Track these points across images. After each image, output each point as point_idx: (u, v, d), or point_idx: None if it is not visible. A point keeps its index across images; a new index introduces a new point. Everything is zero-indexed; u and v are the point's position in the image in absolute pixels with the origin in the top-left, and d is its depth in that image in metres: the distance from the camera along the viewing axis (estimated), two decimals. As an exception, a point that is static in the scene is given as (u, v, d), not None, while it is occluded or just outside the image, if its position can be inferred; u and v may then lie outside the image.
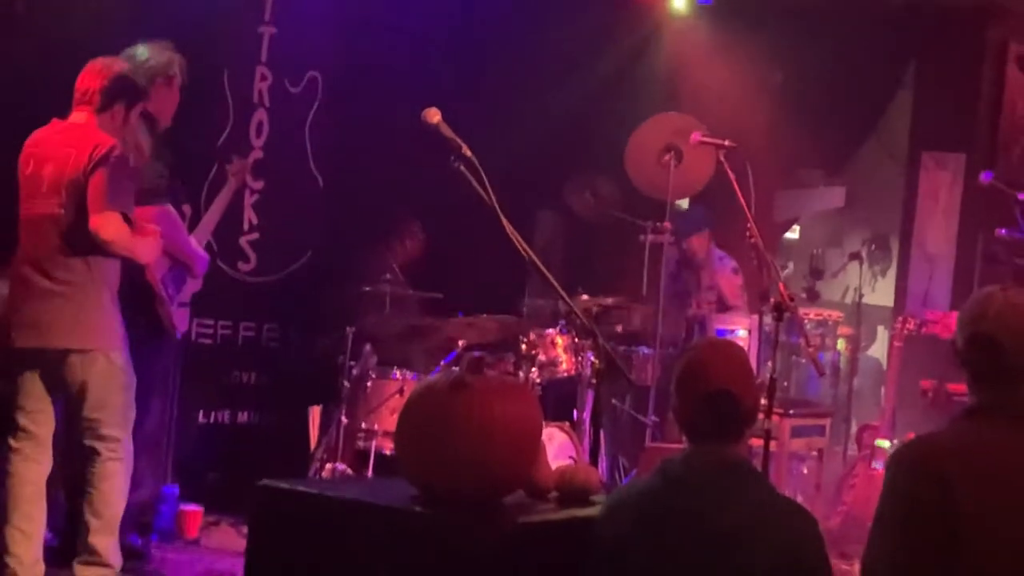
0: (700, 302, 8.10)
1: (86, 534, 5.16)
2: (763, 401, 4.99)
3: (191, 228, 6.23)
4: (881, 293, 11.19)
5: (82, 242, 5.07)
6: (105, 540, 5.18)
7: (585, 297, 7.41)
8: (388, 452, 6.59)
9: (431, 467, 3.33)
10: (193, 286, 6.22)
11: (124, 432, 5.23)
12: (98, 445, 5.16)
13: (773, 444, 5.77)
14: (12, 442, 5.16)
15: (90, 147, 5.07)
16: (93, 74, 5.25)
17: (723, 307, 8.08)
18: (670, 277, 8.00)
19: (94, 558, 5.16)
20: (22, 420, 5.17)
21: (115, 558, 5.22)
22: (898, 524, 2.89)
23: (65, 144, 5.14)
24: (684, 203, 8.94)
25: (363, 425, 6.79)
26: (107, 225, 5.03)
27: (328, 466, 6.74)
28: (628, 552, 3.10)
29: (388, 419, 6.61)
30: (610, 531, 3.16)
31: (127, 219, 5.09)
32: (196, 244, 6.12)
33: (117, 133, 5.22)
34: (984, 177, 7.55)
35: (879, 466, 7.62)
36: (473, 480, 3.29)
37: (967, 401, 3.09)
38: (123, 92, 5.28)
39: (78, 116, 5.23)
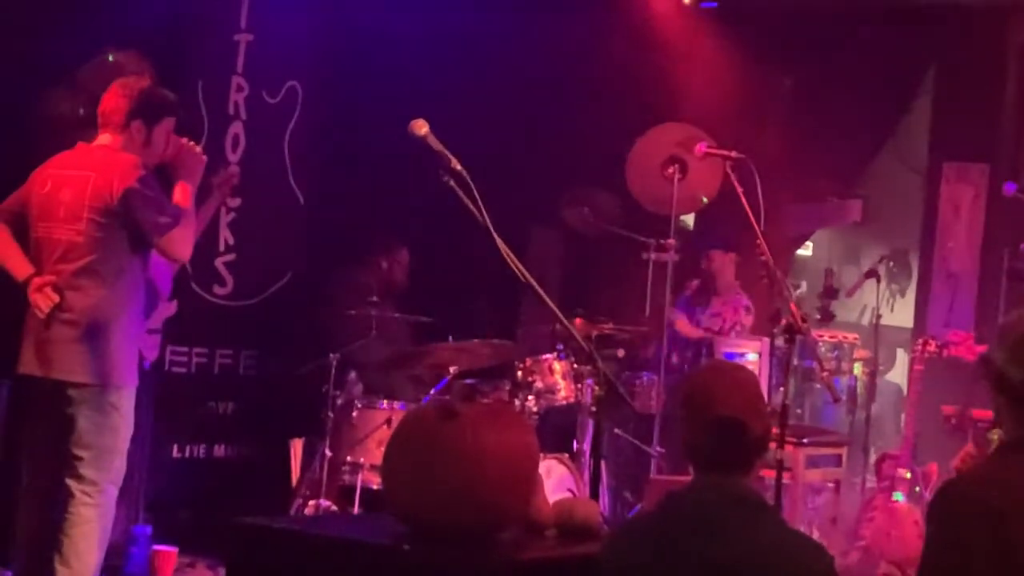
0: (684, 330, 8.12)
1: None
2: (775, 429, 4.99)
3: None
4: (900, 313, 11.21)
5: (101, 268, 5.20)
6: None
7: (583, 321, 7.42)
8: (375, 487, 6.59)
9: (420, 502, 3.34)
10: (166, 310, 6.24)
11: (105, 478, 5.25)
12: (74, 486, 5.18)
13: (786, 475, 5.78)
14: None
15: (111, 172, 5.20)
16: (111, 94, 5.38)
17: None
18: (683, 304, 8.03)
19: None
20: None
21: None
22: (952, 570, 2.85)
23: (84, 167, 5.27)
24: (689, 219, 8.96)
25: (348, 458, 6.79)
26: (176, 249, 5.28)
27: (311, 503, 6.75)
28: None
29: (375, 452, 6.61)
30: (613, 566, 3.17)
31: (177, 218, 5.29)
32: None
33: (139, 151, 5.33)
34: (1007, 188, 7.58)
35: (900, 497, 7.64)
36: (465, 515, 3.30)
37: (1004, 434, 3.03)
38: (142, 110, 5.35)
39: (101, 138, 5.37)
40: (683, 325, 8.07)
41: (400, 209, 8.04)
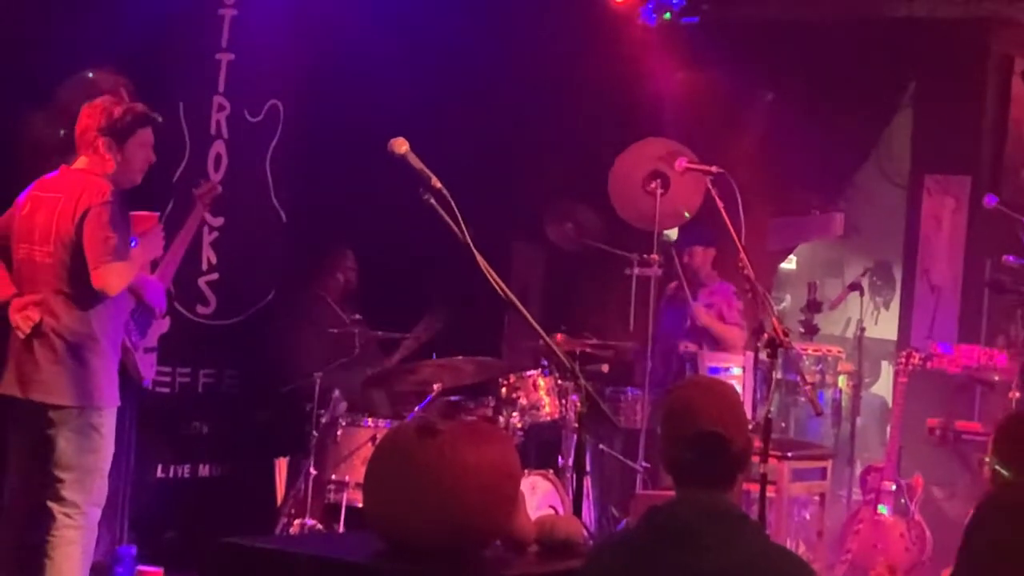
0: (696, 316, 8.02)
1: None
2: (758, 443, 5.00)
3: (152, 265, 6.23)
4: (884, 326, 11.23)
5: (74, 292, 5.20)
6: None
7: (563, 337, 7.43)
8: (360, 505, 6.59)
9: (401, 519, 3.35)
10: (160, 327, 6.24)
11: (86, 499, 5.25)
12: (56, 508, 5.18)
13: (771, 489, 5.79)
14: None
15: (76, 196, 5.21)
16: (81, 116, 5.38)
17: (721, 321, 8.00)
18: (665, 308, 8.00)
19: None
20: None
21: None
22: None
23: (58, 190, 5.28)
24: (673, 233, 8.98)
25: (333, 477, 6.80)
26: (108, 282, 5.15)
27: (296, 522, 6.74)
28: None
29: (360, 470, 6.61)
30: (594, 583, 3.18)
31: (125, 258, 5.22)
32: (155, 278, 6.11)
33: (116, 169, 5.34)
34: (988, 201, 7.63)
35: (885, 510, 7.66)
36: (446, 532, 3.31)
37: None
38: (109, 128, 5.35)
39: (79, 161, 5.38)
40: (699, 311, 7.88)
41: (383, 227, 8.03)
